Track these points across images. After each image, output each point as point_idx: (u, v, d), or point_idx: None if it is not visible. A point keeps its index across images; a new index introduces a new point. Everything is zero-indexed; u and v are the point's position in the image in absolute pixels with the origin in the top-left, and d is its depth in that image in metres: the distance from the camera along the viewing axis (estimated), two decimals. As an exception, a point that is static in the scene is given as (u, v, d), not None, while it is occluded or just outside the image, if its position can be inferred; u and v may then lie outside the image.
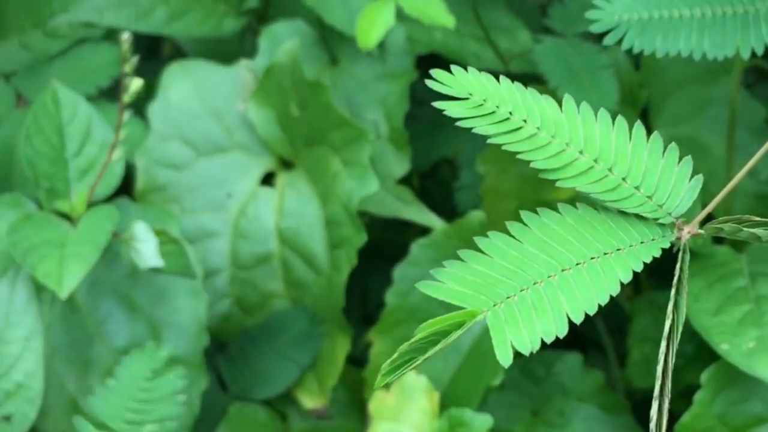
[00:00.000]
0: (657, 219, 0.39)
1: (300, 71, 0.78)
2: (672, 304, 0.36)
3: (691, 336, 0.78)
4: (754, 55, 0.71)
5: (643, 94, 0.80)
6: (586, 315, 0.92)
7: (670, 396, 0.37)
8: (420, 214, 0.82)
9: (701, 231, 0.38)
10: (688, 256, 0.37)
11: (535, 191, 0.78)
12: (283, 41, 0.81)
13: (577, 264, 0.36)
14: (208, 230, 0.80)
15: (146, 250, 0.66)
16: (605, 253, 0.36)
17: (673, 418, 0.68)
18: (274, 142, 0.81)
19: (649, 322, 0.80)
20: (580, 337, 0.91)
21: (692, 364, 0.77)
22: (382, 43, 0.84)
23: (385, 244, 0.92)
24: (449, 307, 0.83)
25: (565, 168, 0.38)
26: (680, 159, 0.40)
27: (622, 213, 0.38)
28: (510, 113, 0.39)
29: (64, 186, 0.69)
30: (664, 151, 0.40)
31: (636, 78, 0.80)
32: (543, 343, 0.84)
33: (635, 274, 0.95)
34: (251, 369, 0.80)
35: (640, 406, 0.82)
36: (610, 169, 0.39)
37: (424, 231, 0.84)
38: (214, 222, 0.80)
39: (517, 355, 0.79)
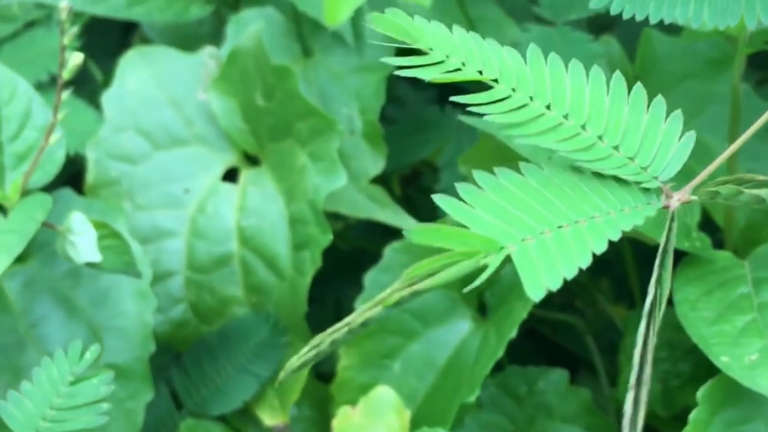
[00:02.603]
0: (640, 183, 0.32)
1: (265, 56, 0.72)
2: (655, 278, 0.29)
3: (688, 353, 0.71)
4: (758, 39, 0.65)
5: (638, 88, 0.74)
6: (575, 331, 0.86)
7: (649, 386, 0.30)
8: (395, 216, 0.76)
9: (693, 197, 0.32)
10: (675, 226, 0.31)
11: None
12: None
13: (540, 233, 0.29)
14: (162, 229, 0.74)
15: (83, 244, 0.59)
16: (576, 221, 0.30)
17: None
18: (237, 134, 0.75)
19: (643, 338, 0.74)
20: (569, 355, 0.85)
21: (689, 384, 0.71)
22: (358, 33, 0.78)
23: (360, 252, 0.86)
24: (423, 318, 0.76)
25: (527, 123, 0.32)
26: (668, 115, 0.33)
27: (599, 176, 0.32)
28: (463, 63, 0.33)
29: (-3, 173, 0.63)
30: (648, 106, 0.33)
31: (631, 71, 0.74)
32: (530, 360, 0.78)
33: (629, 289, 0.88)
34: (207, 382, 0.73)
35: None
36: (582, 126, 0.32)
37: (402, 239, 0.78)
38: (169, 220, 0.74)
39: (497, 369, 0.73)
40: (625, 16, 0.48)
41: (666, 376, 0.72)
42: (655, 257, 0.75)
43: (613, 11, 0.48)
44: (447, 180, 0.81)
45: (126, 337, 0.65)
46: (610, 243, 0.42)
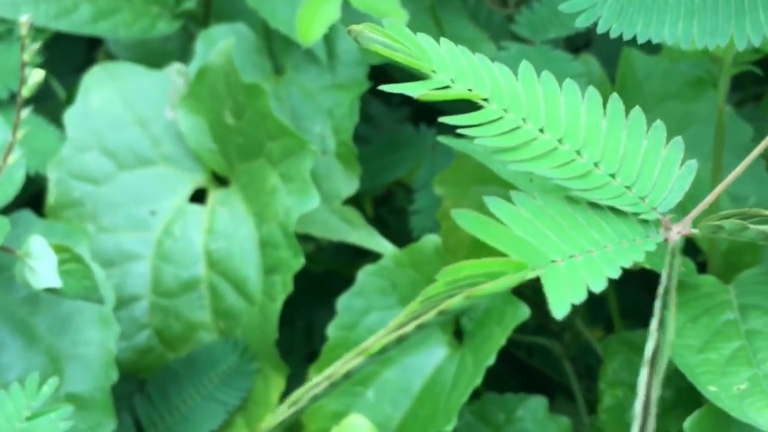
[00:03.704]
0: (638, 215, 0.30)
1: (235, 73, 0.70)
2: (657, 320, 0.27)
3: (669, 379, 0.70)
4: (744, 59, 0.63)
5: (618, 108, 0.72)
6: (551, 355, 0.84)
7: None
8: (369, 238, 0.74)
9: (695, 230, 0.30)
10: (678, 261, 0.29)
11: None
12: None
13: (532, 270, 0.27)
14: (127, 252, 0.71)
15: (42, 268, 0.57)
16: (571, 256, 0.28)
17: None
18: (205, 154, 0.73)
19: (622, 365, 0.72)
20: (545, 380, 0.83)
21: (671, 411, 0.69)
22: (332, 51, 0.76)
23: (332, 275, 0.84)
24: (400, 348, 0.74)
25: (520, 148, 0.30)
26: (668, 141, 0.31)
27: (595, 206, 0.30)
28: (452, 81, 0.31)
29: (-47, 194, 0.60)
30: (647, 130, 0.31)
31: (611, 91, 0.73)
32: (504, 385, 0.76)
33: (606, 312, 0.86)
34: (172, 411, 0.70)
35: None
36: (578, 152, 0.30)
37: (376, 261, 0.76)
38: (134, 243, 0.71)
39: (473, 395, 0.70)
40: (613, 35, 0.46)
41: (646, 403, 0.70)
42: (633, 276, 0.73)
43: (600, 29, 0.46)
44: (422, 201, 0.79)
45: (87, 366, 0.62)
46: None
